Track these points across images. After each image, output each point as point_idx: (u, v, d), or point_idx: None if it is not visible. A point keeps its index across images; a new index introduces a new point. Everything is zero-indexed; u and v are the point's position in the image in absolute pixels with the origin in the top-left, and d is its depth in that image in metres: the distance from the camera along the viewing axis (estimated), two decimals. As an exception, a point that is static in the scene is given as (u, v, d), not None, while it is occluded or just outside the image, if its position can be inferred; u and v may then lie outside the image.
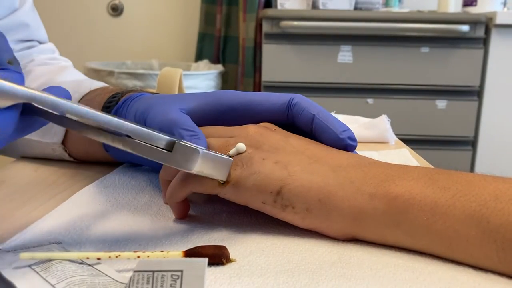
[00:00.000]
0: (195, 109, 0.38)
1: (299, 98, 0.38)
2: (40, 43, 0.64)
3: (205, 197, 0.40)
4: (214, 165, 0.32)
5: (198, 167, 0.31)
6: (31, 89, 0.27)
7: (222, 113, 0.38)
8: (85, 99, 0.50)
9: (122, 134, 0.30)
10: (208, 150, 0.31)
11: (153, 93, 0.47)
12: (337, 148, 0.36)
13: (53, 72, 0.58)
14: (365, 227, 0.31)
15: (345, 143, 0.36)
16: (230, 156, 0.34)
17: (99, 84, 0.54)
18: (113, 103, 0.44)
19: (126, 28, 2.28)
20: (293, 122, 0.38)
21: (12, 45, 0.60)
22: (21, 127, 0.29)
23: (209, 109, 0.38)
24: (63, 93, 0.31)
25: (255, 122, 0.38)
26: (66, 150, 0.50)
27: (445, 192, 0.30)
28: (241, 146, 0.34)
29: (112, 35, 2.29)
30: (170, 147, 0.30)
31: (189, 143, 0.31)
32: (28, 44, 0.62)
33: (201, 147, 0.31)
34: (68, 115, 0.28)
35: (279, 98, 0.39)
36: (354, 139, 0.37)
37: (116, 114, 0.41)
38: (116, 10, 2.28)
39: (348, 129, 0.37)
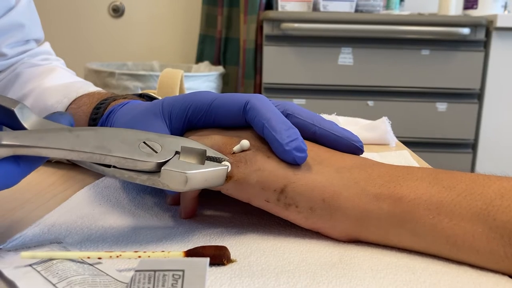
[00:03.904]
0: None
1: (253, 102, 0.35)
2: (37, 41, 0.64)
3: (206, 196, 0.40)
4: (207, 178, 0.32)
5: (188, 187, 0.31)
6: (13, 142, 0.27)
7: (191, 121, 0.38)
8: (71, 107, 0.49)
9: (109, 165, 0.30)
10: (198, 169, 0.31)
11: (142, 99, 0.46)
12: (287, 161, 0.33)
13: (42, 75, 0.57)
14: (369, 228, 0.31)
15: (292, 156, 0.32)
16: (233, 152, 0.34)
17: (86, 88, 0.53)
18: (99, 115, 0.44)
19: (127, 30, 2.29)
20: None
21: (8, 50, 0.59)
22: (22, 170, 0.29)
23: (181, 119, 0.38)
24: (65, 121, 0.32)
25: (218, 126, 0.37)
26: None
27: (450, 191, 0.30)
28: (245, 142, 0.34)
29: (113, 36, 2.29)
30: (158, 167, 0.30)
31: (175, 169, 0.30)
32: (24, 48, 0.62)
33: (187, 171, 0.30)
34: (52, 159, 0.28)
35: (236, 102, 0.36)
36: (301, 150, 0.32)
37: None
38: (117, 12, 2.28)
39: (295, 139, 0.33)
